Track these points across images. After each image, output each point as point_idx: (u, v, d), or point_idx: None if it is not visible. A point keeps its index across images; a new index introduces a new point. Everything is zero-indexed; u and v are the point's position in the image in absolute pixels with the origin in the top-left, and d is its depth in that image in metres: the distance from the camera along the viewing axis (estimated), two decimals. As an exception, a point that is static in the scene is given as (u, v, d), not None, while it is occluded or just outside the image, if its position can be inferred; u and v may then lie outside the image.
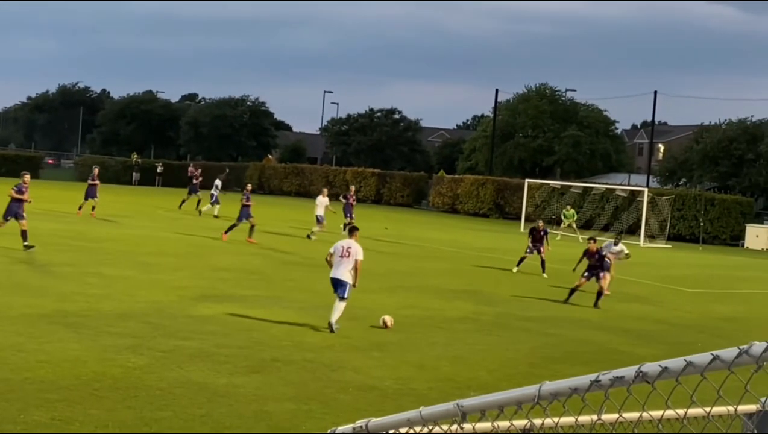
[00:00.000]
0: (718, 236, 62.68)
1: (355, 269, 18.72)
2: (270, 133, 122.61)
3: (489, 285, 28.53)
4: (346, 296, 18.55)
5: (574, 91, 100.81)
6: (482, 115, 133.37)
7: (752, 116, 79.24)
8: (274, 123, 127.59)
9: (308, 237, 39.34)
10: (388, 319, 19.42)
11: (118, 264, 26.61)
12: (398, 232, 48.00)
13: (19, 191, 28.72)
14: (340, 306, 18.50)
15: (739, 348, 2.73)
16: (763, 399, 3.97)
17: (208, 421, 11.73)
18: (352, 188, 48.90)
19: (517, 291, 27.27)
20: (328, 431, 4.17)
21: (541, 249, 32.56)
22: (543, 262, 32.31)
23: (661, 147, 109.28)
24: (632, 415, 3.69)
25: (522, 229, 57.90)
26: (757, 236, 61.23)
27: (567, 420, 3.78)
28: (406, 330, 19.37)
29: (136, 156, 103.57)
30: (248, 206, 37.37)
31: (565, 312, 23.93)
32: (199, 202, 52.81)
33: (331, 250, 18.93)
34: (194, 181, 54.17)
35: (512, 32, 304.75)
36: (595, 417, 3.56)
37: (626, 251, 30.15)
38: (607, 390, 3.11)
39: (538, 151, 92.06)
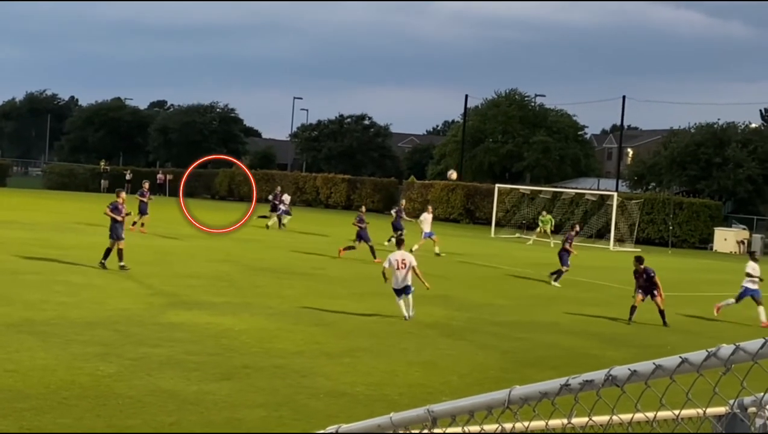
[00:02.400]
0: (686, 239, 63.04)
1: (416, 274, 21.31)
2: (239, 139, 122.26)
3: (460, 290, 28.55)
4: (413, 289, 21.27)
5: (544, 96, 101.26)
6: (452, 121, 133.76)
7: (719, 120, 79.86)
8: (244, 129, 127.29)
9: (438, 254, 39.37)
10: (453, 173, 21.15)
11: (87, 272, 26.45)
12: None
13: (115, 209, 28.31)
14: (410, 301, 21.18)
15: (707, 351, 2.73)
16: (731, 401, 3.97)
17: (178, 429, 11.66)
18: (403, 202, 48.94)
19: (487, 296, 27.32)
20: (298, 438, 4.15)
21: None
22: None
23: (630, 151, 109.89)
24: (602, 419, 3.69)
25: (492, 234, 58.12)
26: (725, 239, 61.62)
27: (537, 424, 3.78)
28: (376, 335, 19.36)
29: (104, 163, 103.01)
30: (364, 228, 37.00)
31: (536, 317, 23.98)
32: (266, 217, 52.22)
33: (386, 265, 21.40)
34: (276, 202, 52.64)
35: (481, 38, 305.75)
36: (565, 421, 3.56)
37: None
38: (576, 394, 3.11)
39: (508, 156, 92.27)
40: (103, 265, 27.30)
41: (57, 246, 32.81)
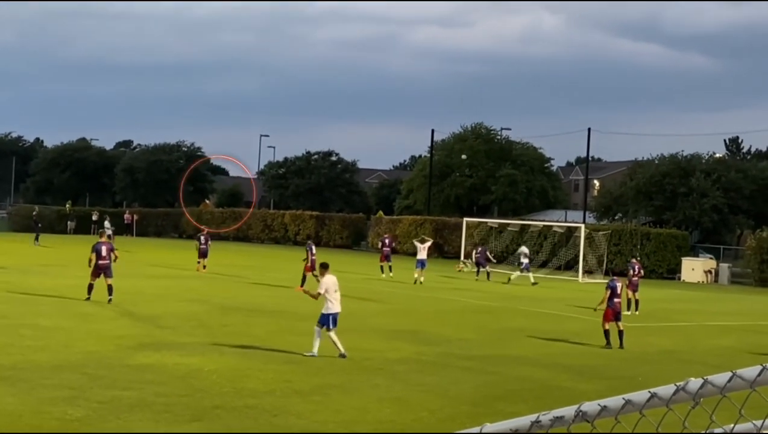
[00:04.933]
0: (654, 270, 63.32)
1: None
2: (207, 178, 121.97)
3: (429, 325, 28.51)
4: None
5: (509, 129, 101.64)
6: (419, 156, 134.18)
7: (683, 151, 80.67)
8: (211, 168, 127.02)
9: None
10: None
11: (54, 314, 26.22)
12: (337, 274, 47.78)
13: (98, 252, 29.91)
14: (335, 337, 20.76)
15: (675, 385, 2.73)
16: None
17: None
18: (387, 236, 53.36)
19: (457, 330, 27.30)
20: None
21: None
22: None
23: (597, 183, 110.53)
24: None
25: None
26: (693, 269, 62.02)
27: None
28: (347, 372, 19.29)
29: (69, 205, 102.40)
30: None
31: (507, 350, 23.96)
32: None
33: (325, 288, 21.21)
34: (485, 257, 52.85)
35: (446, 73, 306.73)
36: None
37: None
38: (547, 430, 3.10)
39: (474, 189, 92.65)
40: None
41: (23, 289, 32.52)
